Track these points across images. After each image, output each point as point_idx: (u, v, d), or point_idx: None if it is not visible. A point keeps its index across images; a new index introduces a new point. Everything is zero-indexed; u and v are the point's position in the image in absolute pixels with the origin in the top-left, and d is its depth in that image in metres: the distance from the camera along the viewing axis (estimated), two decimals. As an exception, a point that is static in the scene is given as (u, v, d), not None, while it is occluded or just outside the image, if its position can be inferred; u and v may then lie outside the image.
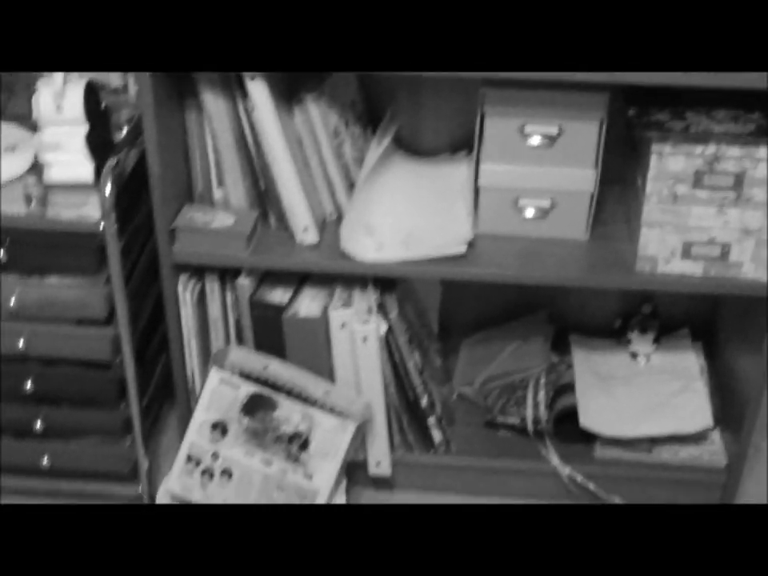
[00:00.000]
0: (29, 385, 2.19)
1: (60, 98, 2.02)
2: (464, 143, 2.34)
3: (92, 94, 2.06)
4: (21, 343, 2.14)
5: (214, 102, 2.05)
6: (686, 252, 2.07)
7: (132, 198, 2.13)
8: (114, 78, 2.26)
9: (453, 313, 2.57)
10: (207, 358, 2.27)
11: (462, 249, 2.10)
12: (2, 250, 2.05)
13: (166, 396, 2.49)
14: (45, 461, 2.27)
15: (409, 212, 2.19)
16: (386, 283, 2.21)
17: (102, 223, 2.01)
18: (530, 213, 2.14)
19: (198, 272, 2.20)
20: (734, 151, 1.98)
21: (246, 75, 1.98)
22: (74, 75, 2.06)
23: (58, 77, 2.02)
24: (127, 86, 2.27)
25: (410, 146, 2.37)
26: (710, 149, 1.98)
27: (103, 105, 2.13)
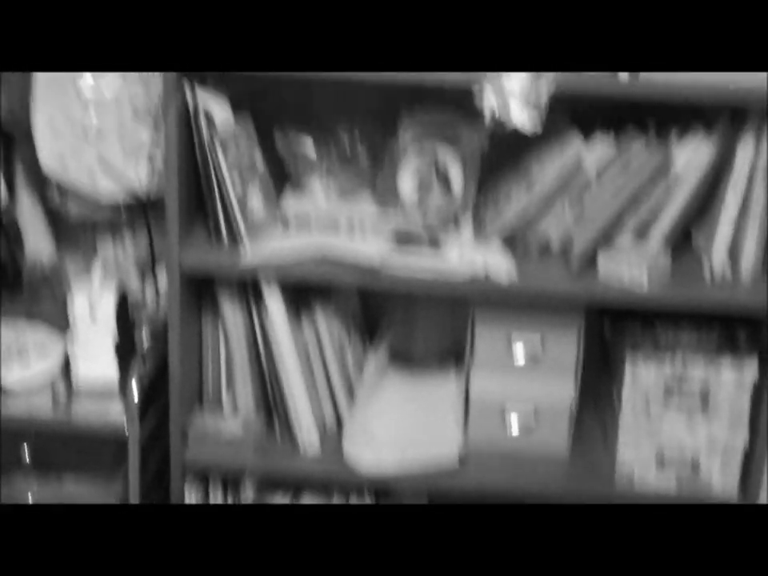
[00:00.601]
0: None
1: (94, 303, 2.14)
2: (451, 352, 2.51)
3: (123, 303, 2.20)
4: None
5: (231, 311, 2.21)
6: (660, 465, 2.21)
7: (148, 401, 2.22)
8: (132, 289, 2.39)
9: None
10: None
11: (454, 465, 2.25)
12: (26, 455, 2.15)
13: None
14: None
15: (404, 426, 2.32)
16: (379, 492, 2.31)
17: (127, 430, 2.11)
18: (515, 429, 2.29)
19: (202, 476, 2.29)
20: (699, 365, 2.15)
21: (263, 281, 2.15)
22: (108, 281, 2.20)
23: (94, 282, 2.16)
24: (145, 299, 2.41)
25: (401, 354, 2.51)
26: (678, 361, 2.14)
27: (131, 315, 2.25)
